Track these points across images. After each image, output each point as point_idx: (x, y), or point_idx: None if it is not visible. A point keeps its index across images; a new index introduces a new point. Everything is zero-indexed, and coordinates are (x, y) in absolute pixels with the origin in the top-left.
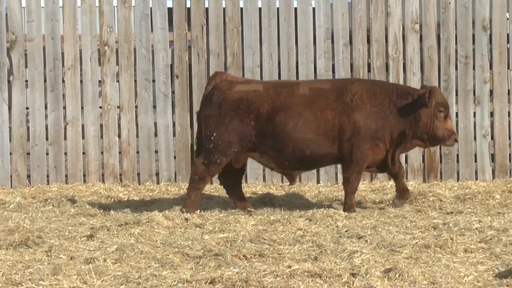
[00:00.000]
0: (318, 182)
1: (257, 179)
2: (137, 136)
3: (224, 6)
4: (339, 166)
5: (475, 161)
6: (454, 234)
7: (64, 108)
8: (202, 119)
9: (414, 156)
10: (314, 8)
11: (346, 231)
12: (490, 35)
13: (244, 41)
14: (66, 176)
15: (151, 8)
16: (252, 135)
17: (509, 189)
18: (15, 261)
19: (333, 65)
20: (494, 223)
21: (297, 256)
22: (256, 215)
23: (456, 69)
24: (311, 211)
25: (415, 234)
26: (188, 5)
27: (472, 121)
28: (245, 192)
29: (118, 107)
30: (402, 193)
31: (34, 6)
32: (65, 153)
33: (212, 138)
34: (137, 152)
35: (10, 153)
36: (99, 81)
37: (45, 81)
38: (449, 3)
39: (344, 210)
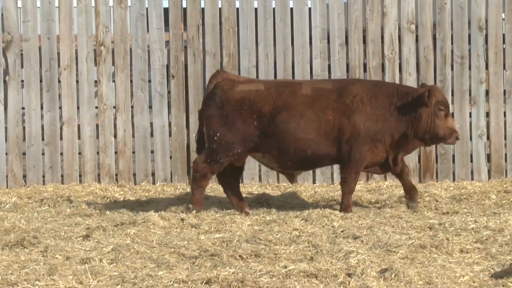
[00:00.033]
0: (314, 182)
1: (253, 179)
2: (133, 136)
3: (220, 6)
4: (335, 166)
5: (471, 161)
6: (450, 234)
7: (60, 108)
8: (205, 118)
9: (410, 156)
10: (310, 9)
11: (342, 231)
12: (486, 36)
13: (240, 41)
14: (62, 176)
15: (147, 8)
16: (255, 135)
17: (504, 189)
18: (10, 261)
19: (329, 66)
20: (490, 223)
21: (293, 256)
22: (252, 215)
23: (452, 69)
24: (307, 211)
25: (411, 234)
26: (184, 5)
27: (468, 121)
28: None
29: (114, 107)
30: (412, 193)
31: (30, 6)
32: (61, 153)
33: (215, 138)
34: (133, 152)
35: (6, 153)
36: (95, 81)
37: (41, 81)
38: (445, 4)
39: (341, 210)
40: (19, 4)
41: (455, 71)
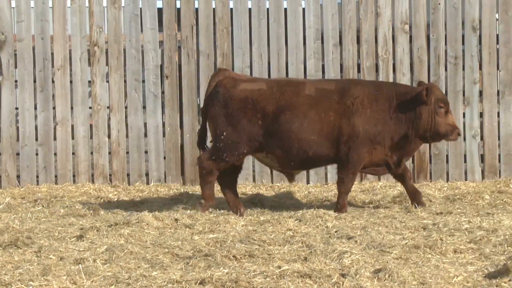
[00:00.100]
0: (307, 182)
1: (247, 179)
2: (127, 136)
3: (214, 6)
4: (329, 166)
5: (465, 161)
6: (443, 234)
7: (54, 108)
8: (210, 117)
9: None
10: (304, 9)
11: (336, 231)
12: (480, 36)
13: (234, 42)
14: (55, 176)
15: (141, 8)
16: (260, 134)
17: (498, 189)
18: (4, 262)
19: (323, 66)
20: (484, 223)
21: (287, 257)
22: (246, 216)
23: (446, 69)
24: (301, 211)
25: (404, 234)
26: (178, 6)
27: (461, 121)
28: None
29: (108, 107)
30: (417, 197)
31: (23, 6)
32: (55, 154)
33: (222, 137)
34: (127, 153)
35: (0, 154)
36: (89, 82)
37: (34, 81)
38: (439, 4)
39: (336, 210)
40: (13, 4)
41: (449, 71)
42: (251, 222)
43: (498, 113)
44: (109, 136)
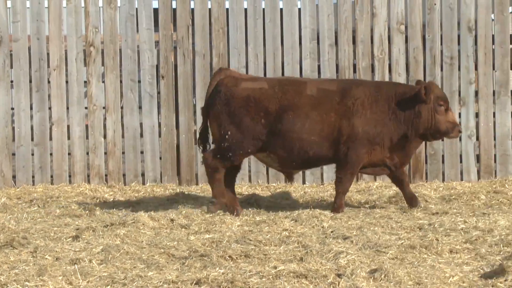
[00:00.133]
0: (303, 183)
1: (243, 179)
2: (123, 136)
3: (210, 6)
4: (325, 167)
5: (460, 161)
6: (439, 234)
7: (50, 108)
8: (212, 117)
9: None
10: (299, 9)
11: (331, 231)
12: (475, 36)
13: (229, 42)
14: (51, 176)
15: (136, 8)
16: (263, 133)
17: (494, 189)
18: (0, 262)
19: (319, 66)
20: (479, 223)
21: (282, 257)
22: (242, 216)
23: (442, 70)
24: (296, 211)
25: (400, 234)
26: (173, 6)
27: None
28: None
29: (104, 107)
30: (413, 202)
31: (19, 7)
32: (51, 154)
33: (226, 136)
34: (123, 153)
35: None
36: (85, 82)
37: (30, 81)
38: (435, 4)
39: (333, 210)
40: (9, 5)
41: (445, 71)
42: (247, 223)
43: (494, 113)
44: (105, 136)
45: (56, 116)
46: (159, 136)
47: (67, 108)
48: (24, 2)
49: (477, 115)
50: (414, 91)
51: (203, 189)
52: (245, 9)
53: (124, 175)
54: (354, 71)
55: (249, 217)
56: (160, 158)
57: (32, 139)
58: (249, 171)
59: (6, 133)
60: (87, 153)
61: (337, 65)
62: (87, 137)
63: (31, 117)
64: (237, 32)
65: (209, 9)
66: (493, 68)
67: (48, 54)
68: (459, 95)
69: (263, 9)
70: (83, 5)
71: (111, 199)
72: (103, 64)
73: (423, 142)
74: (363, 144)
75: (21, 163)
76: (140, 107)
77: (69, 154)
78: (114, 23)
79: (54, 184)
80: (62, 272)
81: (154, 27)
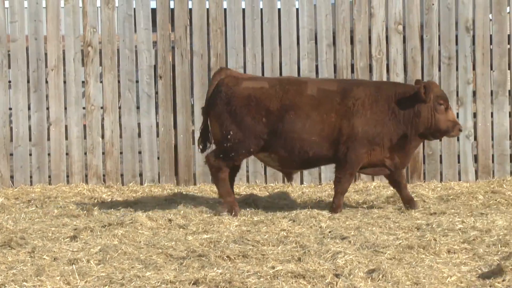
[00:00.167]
0: (301, 183)
1: (241, 179)
2: (121, 136)
3: (207, 7)
4: (323, 167)
5: (458, 162)
6: (437, 234)
7: (48, 108)
8: (213, 117)
9: None
10: (297, 9)
11: (329, 231)
12: (473, 36)
13: (227, 42)
14: (49, 177)
15: (134, 8)
16: (265, 132)
17: (492, 189)
18: None
19: (317, 66)
20: (477, 223)
21: (280, 257)
22: (240, 216)
23: (439, 70)
24: (294, 212)
25: (398, 234)
26: (171, 6)
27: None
28: None
29: (102, 107)
30: (411, 206)
31: (17, 7)
32: (49, 154)
33: (229, 136)
34: (121, 153)
35: None
36: (83, 82)
37: (28, 81)
38: (432, 4)
39: (331, 210)
40: (6, 5)
41: (442, 71)
42: (245, 223)
43: (492, 113)
44: (102, 137)
45: (54, 116)
46: (157, 136)
47: (65, 108)
48: (22, 2)
49: (475, 115)
50: (413, 90)
51: (201, 189)
52: (243, 9)
53: (122, 175)
54: (352, 71)
55: (247, 217)
56: (158, 158)
57: (30, 139)
58: (247, 171)
59: (4, 133)
60: (85, 153)
61: (335, 65)
62: (85, 137)
63: (29, 117)
64: (235, 32)
65: (207, 9)
66: (491, 68)
67: (46, 54)
68: (457, 95)
69: (261, 9)
70: (81, 5)
71: (109, 199)
72: (101, 64)
73: (422, 142)
74: (362, 144)
75: (19, 163)
76: (138, 107)
77: (67, 154)
78: (112, 23)
79: (52, 184)
80: (60, 272)
81: (152, 27)
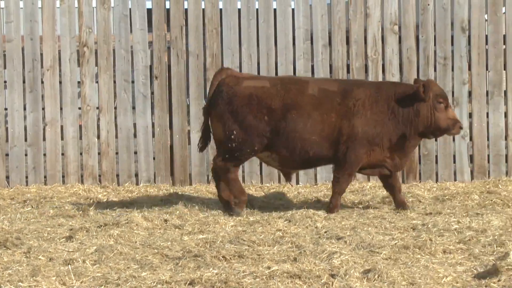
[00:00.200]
0: (297, 183)
1: None
2: (116, 137)
3: (203, 7)
4: (318, 167)
5: (454, 162)
6: (433, 235)
7: (43, 109)
8: (215, 117)
9: None
10: (293, 9)
11: (325, 232)
12: (469, 37)
13: (223, 42)
14: (45, 177)
15: (130, 9)
16: (267, 131)
17: (487, 190)
18: None
19: (312, 66)
20: (473, 224)
21: (276, 257)
22: (236, 216)
23: (435, 70)
24: (290, 212)
25: (394, 235)
26: (167, 6)
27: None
28: None
29: (97, 108)
30: (403, 208)
31: (13, 7)
32: (44, 154)
33: (232, 136)
34: (116, 153)
35: None
36: (78, 82)
37: (24, 82)
38: (428, 5)
39: (327, 209)
40: (2, 5)
41: (438, 72)
42: (240, 223)
43: (487, 113)
44: (98, 137)
45: (50, 116)
46: (153, 136)
47: (61, 108)
48: (17, 3)
49: (470, 115)
50: (413, 90)
51: (197, 189)
52: (239, 10)
53: (117, 175)
54: (348, 72)
55: (242, 217)
56: (154, 159)
57: (26, 140)
58: (243, 171)
59: None
60: (81, 154)
61: (330, 66)
62: (80, 138)
63: (25, 117)
64: (230, 33)
65: (203, 10)
66: (487, 69)
67: (41, 54)
68: (453, 95)
69: (257, 9)
70: (76, 5)
71: (105, 200)
72: (96, 65)
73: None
74: (362, 145)
75: (14, 163)
76: (133, 108)
77: (62, 154)
78: (107, 23)
79: (48, 185)
80: (56, 273)
81: (148, 27)
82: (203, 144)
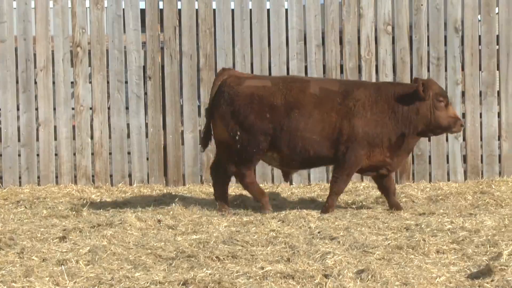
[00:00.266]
0: (291, 183)
1: (230, 180)
2: (110, 137)
3: (196, 7)
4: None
5: (447, 162)
6: (426, 235)
7: (36, 109)
8: (219, 118)
9: None
10: (286, 10)
11: (318, 232)
12: (462, 37)
13: (216, 43)
14: (38, 177)
15: (123, 9)
16: (270, 128)
17: (480, 190)
18: None
19: (306, 67)
20: (466, 224)
21: (269, 258)
22: (229, 217)
23: (428, 70)
24: (283, 212)
25: (387, 235)
26: (160, 6)
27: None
28: None
29: (91, 108)
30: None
31: (6, 7)
32: (37, 155)
33: (237, 138)
34: (110, 154)
35: None
36: (72, 82)
37: (17, 82)
38: (421, 5)
39: (323, 209)
40: None
41: (431, 72)
42: (234, 223)
43: (481, 114)
44: (92, 137)
45: (43, 117)
46: (146, 136)
47: (54, 109)
48: (10, 3)
49: (463, 115)
50: (412, 89)
51: (190, 189)
52: (232, 10)
53: (111, 175)
54: (341, 72)
55: (236, 217)
56: (147, 159)
57: (19, 140)
58: None
59: None
60: (74, 154)
61: (324, 66)
62: (74, 138)
63: (18, 118)
64: (224, 33)
65: (196, 10)
66: (480, 69)
67: (35, 54)
68: None
69: (250, 9)
70: (70, 5)
71: (98, 200)
72: (90, 65)
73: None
74: (362, 146)
75: (7, 164)
76: (127, 108)
77: (56, 155)
78: (101, 23)
79: (41, 185)
80: (49, 273)
81: (141, 27)
82: (205, 144)
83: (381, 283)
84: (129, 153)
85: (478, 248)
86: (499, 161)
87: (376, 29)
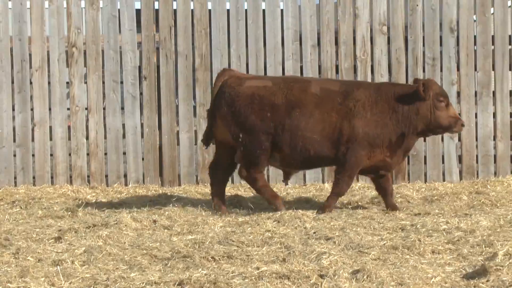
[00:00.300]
0: (286, 183)
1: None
2: (105, 137)
3: (192, 7)
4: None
5: (443, 162)
6: (421, 235)
7: (32, 109)
8: (221, 119)
9: None
10: (282, 10)
11: (314, 232)
12: (457, 37)
13: (212, 43)
14: (33, 178)
15: (119, 9)
16: (272, 127)
17: (476, 190)
18: None
19: (301, 67)
20: (462, 224)
21: (265, 258)
22: (225, 217)
23: (424, 71)
24: (279, 212)
25: (383, 235)
26: (156, 7)
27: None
28: None
29: (86, 108)
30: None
31: (1, 8)
32: (33, 155)
33: (240, 139)
34: (105, 154)
35: None
36: (67, 83)
37: (12, 82)
38: (417, 5)
39: (320, 208)
40: None
41: (427, 72)
42: (229, 223)
43: (476, 114)
44: (87, 137)
45: (38, 117)
46: (142, 137)
47: (49, 109)
48: (6, 3)
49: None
50: (412, 89)
51: (186, 190)
52: (228, 10)
53: (106, 176)
54: (337, 72)
55: (231, 218)
56: (143, 159)
57: (14, 140)
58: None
59: None
60: (70, 154)
61: (319, 66)
62: (69, 138)
63: (13, 118)
64: (219, 33)
65: (192, 10)
66: (475, 69)
67: (30, 55)
68: None
69: (246, 10)
70: (65, 6)
71: (94, 200)
72: (85, 65)
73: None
74: (363, 147)
75: (3, 164)
76: (122, 108)
77: (51, 155)
78: (96, 24)
79: (36, 185)
80: (45, 274)
81: (137, 28)
82: (207, 144)
83: (377, 283)
84: (124, 153)
85: (473, 248)
86: (495, 161)
87: (371, 30)
